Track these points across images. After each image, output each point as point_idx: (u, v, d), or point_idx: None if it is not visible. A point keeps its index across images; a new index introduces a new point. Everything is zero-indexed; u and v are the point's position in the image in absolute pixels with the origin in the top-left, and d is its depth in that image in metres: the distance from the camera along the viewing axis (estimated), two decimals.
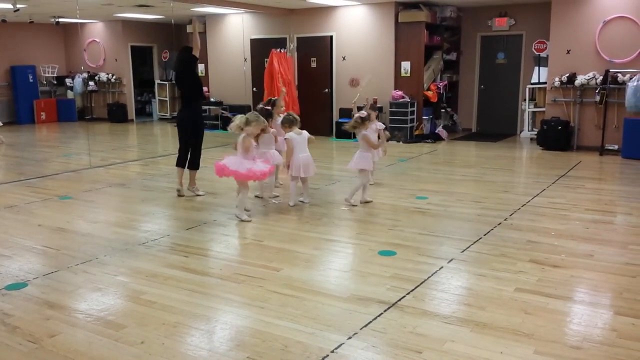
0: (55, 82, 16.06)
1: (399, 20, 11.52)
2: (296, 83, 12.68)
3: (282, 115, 6.69)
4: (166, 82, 15.74)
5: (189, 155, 6.91)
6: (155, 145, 12.28)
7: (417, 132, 11.63)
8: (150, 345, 3.20)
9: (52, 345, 3.21)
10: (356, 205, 6.27)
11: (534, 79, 11.42)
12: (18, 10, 10.92)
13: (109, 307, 3.73)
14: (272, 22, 13.07)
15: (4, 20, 13.40)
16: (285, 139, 6.28)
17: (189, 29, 14.54)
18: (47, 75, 15.80)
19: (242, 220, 5.73)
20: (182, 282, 4.14)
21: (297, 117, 6.41)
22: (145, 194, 7.14)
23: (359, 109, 6.76)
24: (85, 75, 15.72)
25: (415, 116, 11.63)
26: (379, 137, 7.06)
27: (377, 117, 7.60)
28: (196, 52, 6.74)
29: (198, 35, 6.93)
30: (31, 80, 15.36)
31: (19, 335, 3.33)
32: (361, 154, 6.32)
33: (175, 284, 4.10)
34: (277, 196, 6.77)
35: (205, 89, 14.18)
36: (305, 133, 6.28)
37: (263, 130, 6.08)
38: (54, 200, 6.81)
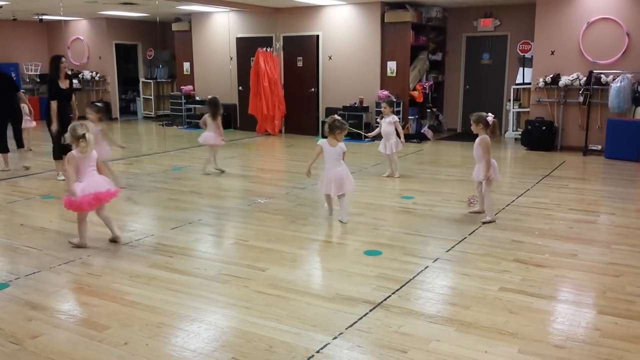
0: (38, 80, 15.85)
1: (385, 20, 11.54)
2: (282, 82, 12.67)
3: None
4: (151, 81, 15.62)
5: None
6: (139, 144, 12.15)
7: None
8: (134, 346, 3.17)
9: (35, 347, 3.17)
10: (495, 221, 5.63)
11: (519, 80, 11.51)
12: (1, 7, 10.79)
13: (92, 308, 3.69)
14: (258, 21, 13.02)
15: None
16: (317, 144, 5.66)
17: (174, 27, 14.47)
18: (30, 73, 15.60)
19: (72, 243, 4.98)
20: (166, 283, 4.11)
21: (340, 125, 5.59)
22: (129, 193, 7.07)
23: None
24: (68, 72, 15.52)
25: (401, 116, 11.66)
26: (396, 130, 7.68)
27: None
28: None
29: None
30: (14, 78, 15.15)
31: (0, 337, 3.29)
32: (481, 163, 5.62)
33: (159, 284, 4.07)
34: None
35: (190, 87, 14.20)
36: (340, 145, 5.60)
37: None
38: (37, 200, 6.73)
